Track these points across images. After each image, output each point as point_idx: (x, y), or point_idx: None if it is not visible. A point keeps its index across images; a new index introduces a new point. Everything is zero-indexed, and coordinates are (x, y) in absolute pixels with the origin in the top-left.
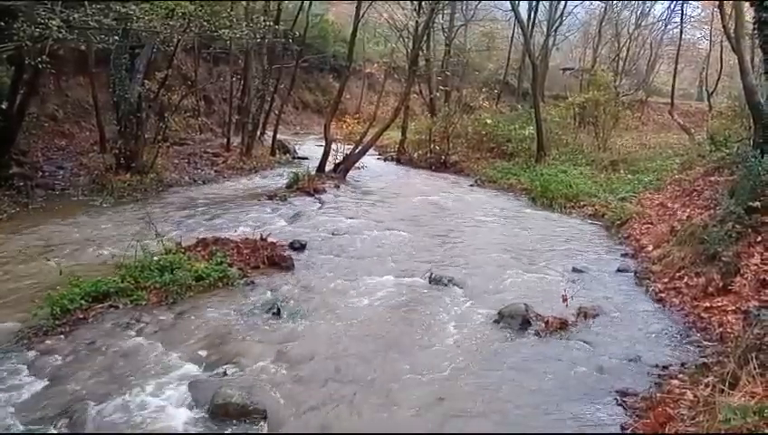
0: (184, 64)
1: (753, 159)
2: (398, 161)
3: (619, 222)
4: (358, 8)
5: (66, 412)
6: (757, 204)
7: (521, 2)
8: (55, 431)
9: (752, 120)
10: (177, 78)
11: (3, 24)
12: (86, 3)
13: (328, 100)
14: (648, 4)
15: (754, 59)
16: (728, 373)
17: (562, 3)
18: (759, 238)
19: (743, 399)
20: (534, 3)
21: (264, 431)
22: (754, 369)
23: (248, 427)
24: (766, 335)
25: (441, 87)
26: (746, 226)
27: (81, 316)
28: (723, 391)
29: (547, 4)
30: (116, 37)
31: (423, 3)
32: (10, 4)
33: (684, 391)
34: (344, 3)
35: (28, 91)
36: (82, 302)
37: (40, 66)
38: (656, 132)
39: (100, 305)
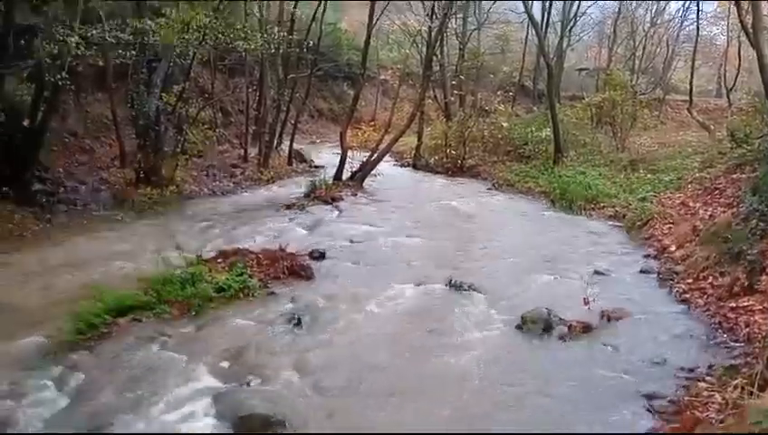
0: (200, 77)
1: None
2: (415, 167)
3: (639, 223)
4: (371, 15)
5: (91, 428)
6: None
7: (534, 3)
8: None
9: None
10: (194, 91)
11: (23, 42)
12: (103, 19)
13: (343, 108)
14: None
15: None
16: (757, 375)
17: (576, 3)
18: None
19: None
20: (548, 4)
21: None
22: None
23: None
24: None
25: (456, 91)
26: None
27: (106, 331)
28: (752, 393)
29: (560, 4)
30: (133, 52)
31: (435, 8)
32: (30, 23)
33: (712, 393)
34: (357, 11)
35: (48, 108)
36: (106, 316)
37: (60, 83)
38: (675, 131)
39: (124, 319)
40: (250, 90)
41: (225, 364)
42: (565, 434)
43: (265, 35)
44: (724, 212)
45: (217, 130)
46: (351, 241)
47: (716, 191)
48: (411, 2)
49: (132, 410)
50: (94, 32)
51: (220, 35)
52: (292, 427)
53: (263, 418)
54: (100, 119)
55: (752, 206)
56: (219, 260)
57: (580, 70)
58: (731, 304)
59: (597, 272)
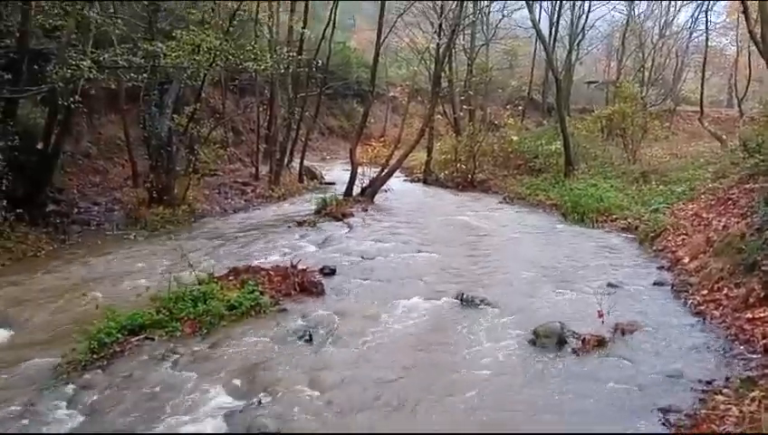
0: (212, 97)
1: None
2: (425, 182)
3: (652, 234)
4: (379, 33)
5: None
6: None
7: (541, 17)
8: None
9: None
10: (206, 111)
11: (37, 66)
12: (115, 43)
13: (353, 125)
14: (672, 12)
15: None
16: None
17: (583, 17)
18: None
19: None
20: (555, 18)
21: None
22: None
23: None
24: None
25: (465, 106)
26: None
27: (118, 349)
28: None
29: (568, 19)
30: (145, 75)
31: (443, 25)
32: (43, 48)
33: (729, 406)
34: (366, 30)
35: (62, 131)
36: (119, 335)
37: (73, 106)
38: (686, 141)
39: (136, 338)
40: (261, 109)
41: (237, 382)
42: (567, 434)
43: (275, 56)
44: (737, 223)
45: (229, 149)
46: (362, 257)
47: (730, 202)
48: (419, 20)
49: (144, 429)
50: (106, 56)
51: (230, 57)
52: None
53: None
54: (113, 140)
55: (766, 216)
56: (231, 277)
57: (590, 83)
58: (747, 316)
59: (610, 284)
